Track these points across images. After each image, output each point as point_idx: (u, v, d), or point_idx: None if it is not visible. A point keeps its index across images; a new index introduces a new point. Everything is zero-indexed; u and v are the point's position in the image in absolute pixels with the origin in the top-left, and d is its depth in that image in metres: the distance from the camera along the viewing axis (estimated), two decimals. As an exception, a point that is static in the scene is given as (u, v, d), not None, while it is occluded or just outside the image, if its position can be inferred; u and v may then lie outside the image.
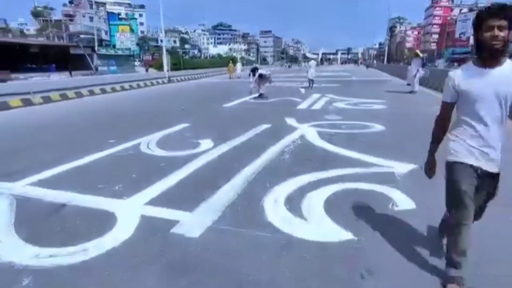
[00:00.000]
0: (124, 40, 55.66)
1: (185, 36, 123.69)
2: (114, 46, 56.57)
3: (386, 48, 62.39)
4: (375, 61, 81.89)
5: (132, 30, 77.75)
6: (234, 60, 60.27)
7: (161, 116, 8.37)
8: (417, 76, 11.92)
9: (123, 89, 17.51)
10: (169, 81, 24.27)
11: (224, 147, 4.99)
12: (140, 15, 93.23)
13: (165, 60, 24.23)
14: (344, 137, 5.52)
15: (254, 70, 21.55)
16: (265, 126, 6.48)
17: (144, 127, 6.61)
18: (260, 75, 18.99)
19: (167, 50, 48.20)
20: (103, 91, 15.58)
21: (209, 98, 12.78)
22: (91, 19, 62.55)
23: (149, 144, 5.30)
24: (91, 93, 14.68)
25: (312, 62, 16.58)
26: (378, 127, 6.21)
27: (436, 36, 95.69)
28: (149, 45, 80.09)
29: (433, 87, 13.38)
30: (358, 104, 9.51)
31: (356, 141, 5.23)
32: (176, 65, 31.94)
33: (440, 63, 17.56)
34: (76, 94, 13.85)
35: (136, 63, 63.11)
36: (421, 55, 11.92)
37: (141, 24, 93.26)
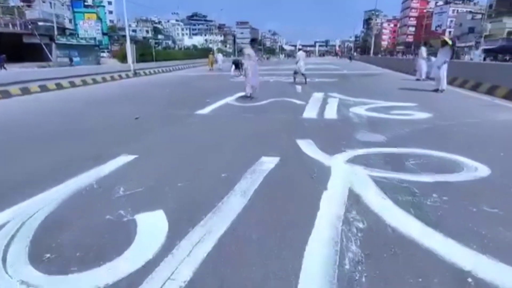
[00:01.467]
0: (88, 29, 50.46)
1: (159, 26, 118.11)
2: (78, 35, 51.65)
3: (372, 40, 60.39)
4: (355, 53, 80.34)
5: (99, 19, 72.17)
6: (209, 51, 56.46)
7: (95, 136, 5.26)
8: (444, 70, 9.34)
9: (72, 85, 14.00)
10: (135, 74, 20.79)
11: (192, 253, 2.01)
12: (109, 3, 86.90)
13: (129, 50, 20.64)
14: (435, 201, 2.66)
15: (237, 64, 18.56)
16: (268, 164, 3.56)
17: (44, 169, 3.54)
18: (240, 64, 15.64)
19: (134, 41, 43.79)
20: (44, 89, 12.10)
21: (179, 99, 9.70)
22: (52, 5, 57.50)
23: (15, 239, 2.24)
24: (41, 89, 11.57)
25: (301, 53, 13.72)
26: (473, 165, 3.42)
27: (412, 29, 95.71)
28: (119, 34, 74.66)
29: (462, 84, 10.87)
30: (387, 111, 6.78)
31: (467, 212, 2.43)
32: (143, 56, 28.16)
33: (476, 55, 15.40)
34: (21, 91, 11.11)
35: (105, 54, 58.59)
36: (450, 42, 9.27)
37: (111, 12, 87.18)
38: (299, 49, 14.93)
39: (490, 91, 9.25)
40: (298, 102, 8.24)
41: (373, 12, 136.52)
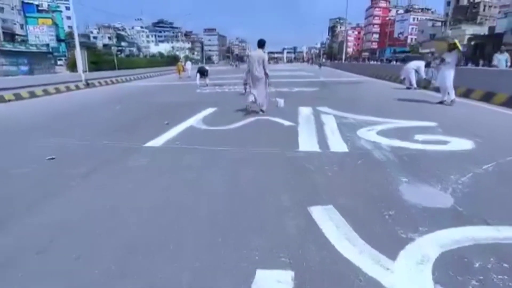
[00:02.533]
0: (40, 35, 46.26)
1: (122, 33, 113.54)
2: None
3: (345, 46, 60.16)
4: (323, 59, 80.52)
5: (55, 24, 67.29)
6: (176, 59, 53.76)
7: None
8: (451, 79, 7.85)
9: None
10: (87, 85, 18.06)
11: None
12: (67, 8, 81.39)
13: (79, 57, 17.92)
14: None
15: (202, 72, 16.50)
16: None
17: None
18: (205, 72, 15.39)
19: (88, 47, 40.26)
20: None
21: (129, 120, 7.44)
22: (1, 9, 52.82)
23: None
24: None
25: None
26: None
27: (376, 36, 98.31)
28: (89, 42, 70.07)
29: (474, 95, 9.49)
30: (408, 135, 5.05)
31: None
32: (98, 64, 25.27)
33: (501, 61, 12.45)
34: None
35: (62, 62, 54.30)
36: (460, 47, 7.80)
37: (69, 18, 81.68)
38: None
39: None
40: (285, 123, 6.33)
41: (337, 20, 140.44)
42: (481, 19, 66.72)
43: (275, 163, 3.88)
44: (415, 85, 12.14)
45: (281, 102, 8.22)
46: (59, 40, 65.86)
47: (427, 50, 60.79)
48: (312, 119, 6.72)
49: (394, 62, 58.10)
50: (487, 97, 8.80)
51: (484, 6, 68.52)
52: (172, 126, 6.25)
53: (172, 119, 6.87)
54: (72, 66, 24.39)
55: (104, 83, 20.19)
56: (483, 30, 58.78)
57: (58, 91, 15.21)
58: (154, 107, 9.41)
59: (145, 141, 5.09)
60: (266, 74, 7.34)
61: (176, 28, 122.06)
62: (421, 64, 12.10)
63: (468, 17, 67.74)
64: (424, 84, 12.42)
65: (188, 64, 28.30)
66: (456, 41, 7.73)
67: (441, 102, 8.28)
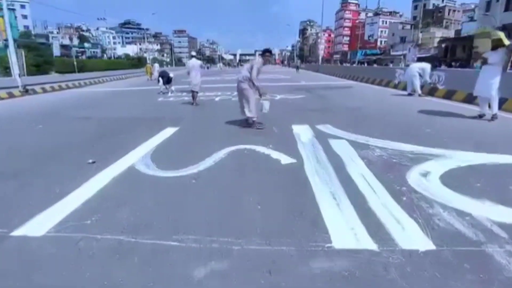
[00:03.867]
0: (-16, 34, 41.17)
1: (86, 34, 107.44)
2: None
3: (321, 47, 58.51)
4: (299, 61, 78.99)
5: (9, 24, 61.24)
6: (141, 61, 50.34)
7: None
8: (495, 87, 5.89)
9: None
10: (26, 91, 14.88)
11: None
12: (23, 6, 75.16)
13: (13, 59, 14.73)
14: None
15: (163, 76, 13.81)
16: None
17: None
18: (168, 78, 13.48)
19: (32, 47, 36.29)
20: None
21: (36, 154, 4.79)
22: None
23: None
24: None
25: (194, 62, 9.48)
26: None
27: (347, 38, 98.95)
28: (34, 42, 64.33)
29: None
30: (498, 187, 2.87)
31: None
32: (40, 67, 21.82)
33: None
34: None
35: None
36: (507, 42, 5.76)
37: (25, 17, 75.45)
38: (192, 56, 10.09)
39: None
40: (283, 159, 4.01)
41: (308, 22, 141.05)
42: (447, 22, 68.38)
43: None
44: (419, 92, 10.28)
45: (266, 105, 5.97)
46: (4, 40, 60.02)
47: (399, 53, 61.27)
48: (320, 150, 4.45)
49: (365, 64, 57.82)
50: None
51: (449, 10, 70.37)
52: (98, 169, 3.75)
53: (106, 152, 4.38)
54: (4, 68, 20.72)
55: (49, 89, 16.96)
56: (450, 33, 60.01)
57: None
58: (91, 126, 6.75)
59: (22, 218, 2.57)
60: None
61: (145, 29, 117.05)
62: (426, 66, 10.26)
63: (435, 21, 69.22)
64: (429, 89, 10.60)
65: (156, 66, 26.19)
66: (502, 34, 5.72)
67: (480, 116, 6.31)
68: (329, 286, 1.74)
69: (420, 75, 10.25)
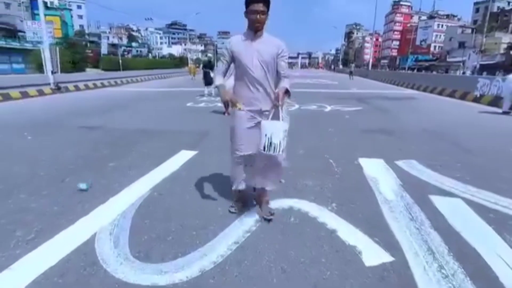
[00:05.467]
0: (39, 31, 43.17)
1: (136, 34, 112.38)
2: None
3: (370, 52, 55.31)
4: (354, 66, 74.48)
5: (65, 23, 65.62)
6: (182, 60, 50.54)
7: None
8: None
9: None
10: (58, 89, 14.22)
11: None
12: (79, 7, 79.83)
13: (47, 55, 14.20)
14: None
15: (205, 77, 11.60)
16: None
17: None
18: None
19: (72, 43, 37.34)
20: None
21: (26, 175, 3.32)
22: (7, 5, 51.13)
23: None
24: None
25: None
26: None
27: (396, 43, 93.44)
28: (87, 40, 67.80)
29: None
30: None
31: None
32: (77, 64, 21.60)
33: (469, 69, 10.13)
34: None
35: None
36: None
37: (80, 17, 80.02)
38: (206, 55, 7.82)
39: None
40: (364, 248, 2.11)
41: (354, 25, 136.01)
42: (514, 27, 61.73)
43: None
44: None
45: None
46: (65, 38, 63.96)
47: (457, 59, 55.88)
48: (426, 224, 2.47)
49: (416, 71, 53.08)
50: None
51: (517, 13, 63.44)
52: (27, 248, 2.10)
53: (67, 201, 2.78)
54: (38, 66, 20.62)
55: (83, 87, 16.30)
56: (519, 39, 53.83)
57: (6, 97, 11.30)
58: (86, 143, 5.24)
59: None
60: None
61: (191, 30, 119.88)
62: None
63: (500, 25, 62.84)
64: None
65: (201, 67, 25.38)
66: None
67: None
68: None
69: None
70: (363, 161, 3.99)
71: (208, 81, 10.85)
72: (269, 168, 2.38)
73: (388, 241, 2.21)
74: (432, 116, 8.20)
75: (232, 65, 2.40)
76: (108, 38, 78.82)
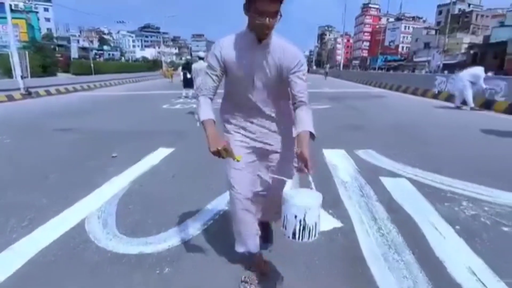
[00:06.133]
0: (3, 35, 41.30)
1: (107, 37, 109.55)
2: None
3: (341, 52, 56.90)
4: (327, 66, 75.99)
5: (31, 26, 63.09)
6: (156, 63, 50.08)
7: None
8: None
9: None
10: (28, 94, 13.93)
11: None
12: (46, 9, 76.90)
13: (15, 60, 13.86)
14: None
15: (186, 68, 11.19)
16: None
17: None
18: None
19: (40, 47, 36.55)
20: None
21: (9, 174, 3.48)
22: None
23: None
24: None
25: (201, 64, 7.47)
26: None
27: (367, 44, 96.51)
28: (55, 44, 65.40)
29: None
30: None
31: None
32: (48, 68, 21.11)
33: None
34: None
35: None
36: None
37: (48, 20, 77.05)
38: (199, 58, 7.95)
39: None
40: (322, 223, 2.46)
41: (326, 27, 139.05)
42: (474, 28, 65.33)
43: None
44: (472, 104, 8.52)
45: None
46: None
47: (423, 59, 58.65)
48: (374, 200, 2.92)
49: (386, 70, 55.25)
50: None
51: (476, 15, 67.22)
52: (26, 229, 2.34)
53: (56, 193, 3.02)
54: (5, 70, 19.94)
55: (54, 92, 16.00)
56: (478, 39, 57.14)
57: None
58: (64, 144, 5.41)
59: None
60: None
61: (163, 33, 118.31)
62: (479, 71, 8.46)
63: (461, 26, 66.36)
64: (483, 101, 8.83)
65: (180, 69, 25.50)
66: None
67: None
68: None
69: (472, 83, 8.49)
70: (326, 152, 4.44)
71: (186, 83, 11.00)
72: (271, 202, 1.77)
73: (340, 213, 2.62)
74: (395, 112, 8.87)
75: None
76: (78, 41, 76.38)
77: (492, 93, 8.83)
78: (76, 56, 45.41)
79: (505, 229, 2.36)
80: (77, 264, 1.97)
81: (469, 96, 8.44)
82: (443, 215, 2.58)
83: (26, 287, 1.76)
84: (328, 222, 2.44)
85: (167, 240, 2.23)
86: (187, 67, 11.27)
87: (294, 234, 1.36)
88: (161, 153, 4.47)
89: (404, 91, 14.51)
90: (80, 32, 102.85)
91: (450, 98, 10.40)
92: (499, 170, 3.69)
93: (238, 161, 1.51)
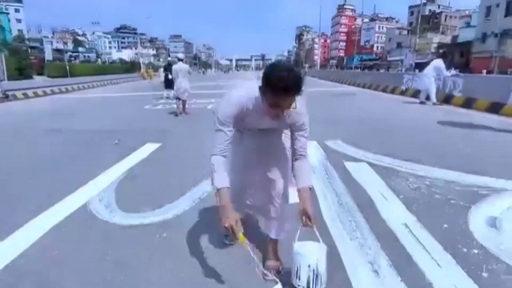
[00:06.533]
0: (-30, 37, 39.78)
1: (81, 38, 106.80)
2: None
3: (318, 52, 57.97)
4: (307, 66, 77.31)
5: (2, 28, 60.89)
6: (133, 65, 49.56)
7: None
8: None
9: None
10: (6, 97, 13.81)
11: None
12: (17, 10, 74.15)
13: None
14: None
15: (168, 69, 10.89)
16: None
17: None
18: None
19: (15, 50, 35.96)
20: None
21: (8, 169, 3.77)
22: None
23: None
24: None
25: (181, 66, 8.55)
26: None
27: (343, 44, 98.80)
28: (27, 45, 63.29)
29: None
30: None
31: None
32: (23, 71, 20.79)
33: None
34: None
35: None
36: None
37: (19, 21, 74.36)
38: (179, 60, 8.78)
39: None
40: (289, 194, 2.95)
41: (304, 27, 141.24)
42: (443, 28, 68.19)
43: None
44: (434, 100, 9.32)
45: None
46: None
47: (396, 58, 60.85)
48: (336, 179, 3.46)
49: (362, 70, 56.97)
50: None
51: (445, 16, 70.22)
52: (34, 212, 2.70)
53: (57, 182, 3.38)
54: None
55: (32, 95, 15.85)
56: (447, 39, 59.81)
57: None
58: (55, 143, 5.70)
59: None
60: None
61: (141, 34, 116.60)
62: (438, 63, 9.33)
63: (432, 26, 69.10)
64: (444, 97, 9.67)
65: (161, 71, 25.92)
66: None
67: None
68: None
69: (436, 76, 9.32)
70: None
71: (168, 84, 11.31)
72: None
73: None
74: (365, 108, 9.57)
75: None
76: (51, 43, 74.22)
77: (451, 89, 9.68)
78: (51, 58, 44.29)
79: (437, 196, 2.94)
80: (90, 232, 2.38)
81: (433, 92, 9.24)
82: (391, 188, 3.14)
83: (53, 247, 2.16)
84: (294, 196, 2.94)
85: (162, 214, 2.66)
86: (168, 68, 11.62)
87: (308, 283, 1.53)
88: (149, 148, 4.85)
89: (375, 89, 15.37)
90: (53, 33, 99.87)
91: (415, 94, 11.23)
92: (442, 153, 4.33)
93: (244, 244, 1.50)
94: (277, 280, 1.61)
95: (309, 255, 1.56)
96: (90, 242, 2.25)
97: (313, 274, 1.54)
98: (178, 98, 8.32)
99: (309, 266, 1.54)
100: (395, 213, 2.62)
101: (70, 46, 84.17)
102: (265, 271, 1.67)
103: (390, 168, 3.74)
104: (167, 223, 2.50)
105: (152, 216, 2.63)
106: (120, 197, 3.03)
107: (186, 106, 8.72)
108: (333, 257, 1.95)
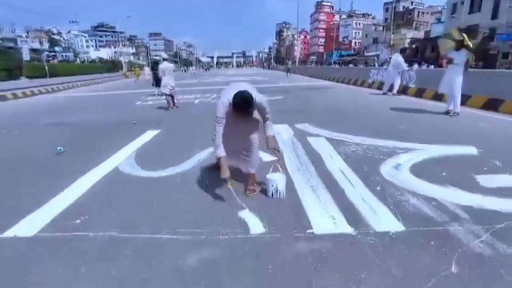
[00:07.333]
0: None
1: (57, 37, 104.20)
2: None
3: (298, 49, 59.26)
4: (290, 62, 78.53)
5: (-29, 27, 59.26)
6: (115, 64, 49.39)
7: None
8: (459, 87, 6.33)
9: None
10: (-4, 98, 14.34)
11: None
12: (-13, 9, 71.75)
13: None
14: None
15: (155, 68, 12.15)
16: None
17: None
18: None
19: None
20: None
21: (41, 151, 4.75)
22: None
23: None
24: None
25: (167, 66, 9.55)
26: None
27: (322, 40, 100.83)
28: (2, 45, 61.67)
29: (472, 103, 8.02)
30: (460, 175, 3.33)
31: None
32: (8, 71, 21.07)
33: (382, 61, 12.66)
34: None
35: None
36: (470, 44, 6.16)
37: (-11, 20, 72.03)
38: (164, 59, 9.84)
39: None
40: (264, 157, 4.11)
41: (284, 24, 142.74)
42: (416, 24, 70.92)
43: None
44: (395, 91, 10.76)
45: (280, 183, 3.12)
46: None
47: (373, 53, 63.15)
48: (299, 147, 4.66)
49: (341, 65, 59.03)
50: (491, 105, 7.43)
51: (418, 12, 73.03)
52: (82, 172, 3.78)
53: (88, 156, 4.42)
54: None
55: (21, 95, 16.40)
56: (420, 34, 62.39)
57: None
58: (68, 132, 6.68)
59: (12, 220, 2.60)
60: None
61: (120, 32, 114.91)
62: (398, 58, 10.83)
63: (405, 22, 71.63)
64: (402, 88, 11.12)
65: (146, 70, 26.94)
66: (465, 36, 6.16)
67: (447, 113, 6.75)
68: (310, 265, 1.92)
69: (399, 71, 10.76)
70: (275, 126, 6.13)
71: (158, 82, 12.21)
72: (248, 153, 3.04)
73: (277, 154, 4.31)
74: (334, 99, 10.90)
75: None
76: (26, 42, 72.45)
77: (408, 81, 11.14)
78: (28, 58, 43.71)
79: (368, 154, 4.19)
80: (124, 182, 3.49)
81: (397, 84, 10.71)
82: (338, 152, 4.36)
83: (102, 191, 3.25)
84: (270, 158, 4.13)
85: (174, 171, 3.78)
86: (155, 67, 12.59)
87: (272, 194, 2.90)
88: (150, 133, 5.91)
89: (348, 83, 16.82)
90: (27, 32, 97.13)
91: (381, 86, 12.66)
92: (383, 129, 5.62)
93: (229, 186, 2.67)
94: (244, 206, 2.71)
95: (273, 178, 2.90)
96: (127, 187, 3.36)
97: (275, 190, 2.89)
98: (165, 94, 9.27)
99: (272, 185, 2.88)
100: (336, 164, 3.84)
101: (46, 45, 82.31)
102: (240, 201, 2.75)
103: (340, 140, 4.98)
104: (179, 175, 3.63)
105: (166, 171, 3.75)
106: (139, 162, 4.12)
107: (175, 100, 9.75)
108: (290, 186, 3.14)
